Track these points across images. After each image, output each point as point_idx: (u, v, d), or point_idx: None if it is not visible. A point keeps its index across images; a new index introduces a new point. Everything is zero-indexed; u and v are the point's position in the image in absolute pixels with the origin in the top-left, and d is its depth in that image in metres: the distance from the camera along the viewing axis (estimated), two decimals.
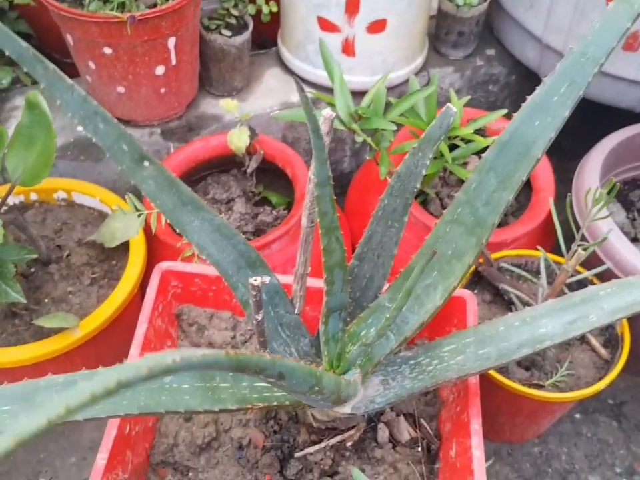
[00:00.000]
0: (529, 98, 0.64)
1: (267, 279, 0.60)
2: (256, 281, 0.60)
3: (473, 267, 1.07)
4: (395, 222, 0.66)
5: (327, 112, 0.58)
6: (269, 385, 0.69)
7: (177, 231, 0.68)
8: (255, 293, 0.61)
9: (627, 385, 1.30)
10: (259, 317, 0.65)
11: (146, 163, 0.64)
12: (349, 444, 0.82)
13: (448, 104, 0.56)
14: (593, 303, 0.72)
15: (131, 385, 0.39)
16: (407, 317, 0.73)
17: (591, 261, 0.99)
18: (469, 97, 1.10)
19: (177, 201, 0.66)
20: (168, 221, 0.67)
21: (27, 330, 1.02)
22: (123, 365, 0.40)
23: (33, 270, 1.09)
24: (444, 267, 0.70)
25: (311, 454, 0.81)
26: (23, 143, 0.89)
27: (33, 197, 1.19)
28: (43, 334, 0.99)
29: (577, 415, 1.25)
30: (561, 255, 0.96)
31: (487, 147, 1.11)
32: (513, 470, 1.17)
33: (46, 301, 1.07)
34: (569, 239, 0.92)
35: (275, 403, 0.66)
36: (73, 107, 0.60)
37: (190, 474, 0.83)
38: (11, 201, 1.17)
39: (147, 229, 1.07)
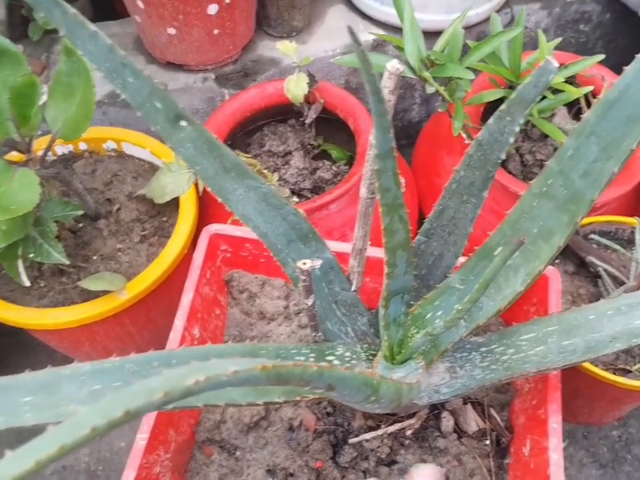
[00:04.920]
0: None
1: (317, 263, 0.52)
2: (305, 264, 0.52)
3: None
4: (471, 197, 0.56)
5: (392, 65, 0.47)
6: None
7: (219, 200, 0.60)
8: (304, 278, 0.53)
9: None
10: (309, 302, 0.57)
11: (183, 123, 0.56)
12: (408, 432, 0.75)
13: (547, 57, 0.44)
14: None
15: (140, 414, 0.33)
16: (480, 302, 0.63)
17: None
18: (559, 39, 0.96)
19: (218, 167, 0.58)
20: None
21: (74, 288, 0.98)
22: (134, 386, 0.33)
23: (81, 225, 1.04)
24: (528, 247, 0.59)
25: (367, 441, 0.74)
26: (62, 92, 0.82)
27: (82, 146, 1.13)
28: (91, 293, 0.95)
29: None
30: None
31: (577, 99, 0.98)
32: (589, 454, 1.07)
33: (94, 258, 1.02)
34: None
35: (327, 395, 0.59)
36: (97, 58, 0.51)
37: (237, 453, 0.78)
38: (60, 150, 1.12)
39: (198, 185, 1.00)
